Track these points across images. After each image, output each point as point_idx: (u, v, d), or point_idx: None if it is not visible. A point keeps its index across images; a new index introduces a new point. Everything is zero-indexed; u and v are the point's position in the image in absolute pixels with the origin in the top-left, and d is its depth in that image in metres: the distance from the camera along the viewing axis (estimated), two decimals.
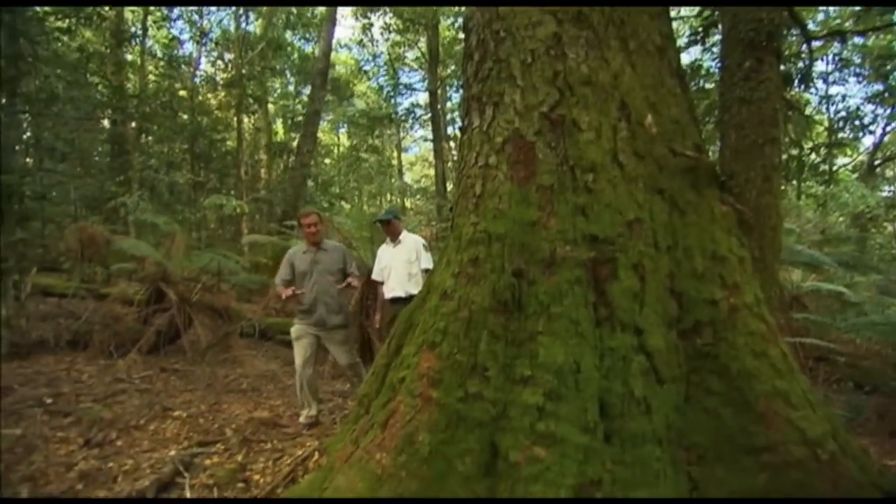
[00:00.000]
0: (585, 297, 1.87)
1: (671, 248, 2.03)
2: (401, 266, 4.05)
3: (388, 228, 4.15)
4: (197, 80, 15.44)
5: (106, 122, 12.92)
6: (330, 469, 1.97)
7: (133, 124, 12.64)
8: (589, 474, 1.66)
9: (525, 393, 1.75)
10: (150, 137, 13.78)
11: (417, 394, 1.82)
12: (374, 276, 4.26)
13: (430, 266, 3.92)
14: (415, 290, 3.90)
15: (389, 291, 4.07)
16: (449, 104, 23.30)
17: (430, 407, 1.78)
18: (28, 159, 10.07)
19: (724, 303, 1.98)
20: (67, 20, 8.43)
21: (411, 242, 4.12)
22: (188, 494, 2.53)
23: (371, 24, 18.44)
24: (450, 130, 22.26)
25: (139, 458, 2.99)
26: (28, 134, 9.07)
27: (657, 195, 2.08)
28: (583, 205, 2.02)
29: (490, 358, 1.83)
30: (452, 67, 20.46)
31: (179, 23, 15.11)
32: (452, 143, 20.04)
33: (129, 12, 13.80)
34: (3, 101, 6.19)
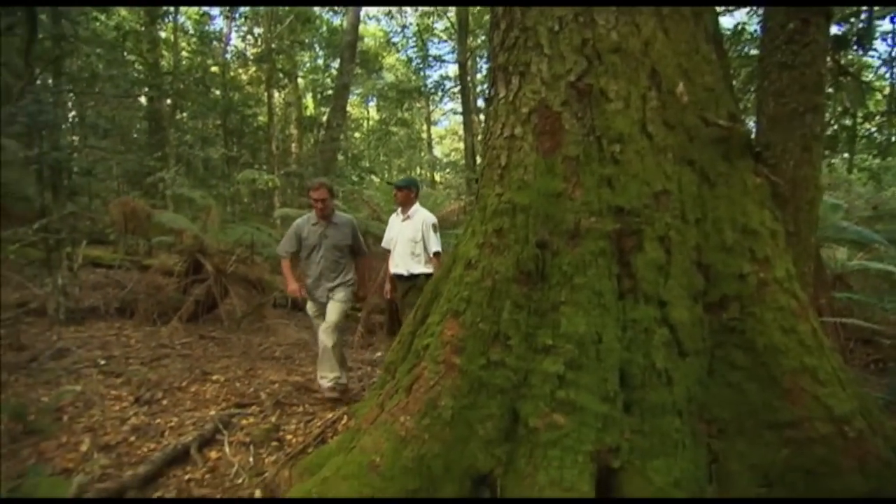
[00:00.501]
0: (609, 268, 1.87)
1: (699, 221, 2.00)
2: (405, 242, 3.94)
3: (401, 196, 4.00)
4: (228, 55, 15.62)
5: (143, 100, 13.29)
6: (357, 430, 2.07)
7: (168, 101, 12.96)
8: (607, 442, 1.70)
9: (546, 361, 1.79)
10: (184, 114, 14.11)
11: (441, 360, 1.88)
12: (383, 245, 4.19)
13: (438, 249, 3.88)
14: (417, 270, 3.89)
15: (393, 266, 4.02)
16: (479, 76, 22.87)
17: (453, 373, 1.84)
18: (73, 137, 10.53)
19: (752, 277, 1.95)
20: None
21: (419, 220, 3.95)
22: (227, 450, 2.70)
23: None
24: (479, 103, 21.93)
25: (182, 416, 3.20)
26: (72, 113, 9.44)
27: (686, 166, 2.03)
28: (609, 176, 2.00)
29: (512, 327, 1.87)
30: (482, 38, 19.99)
31: None
32: (482, 116, 19.77)
33: None
34: (50, 81, 6.44)
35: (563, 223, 1.96)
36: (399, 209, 4.06)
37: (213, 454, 2.69)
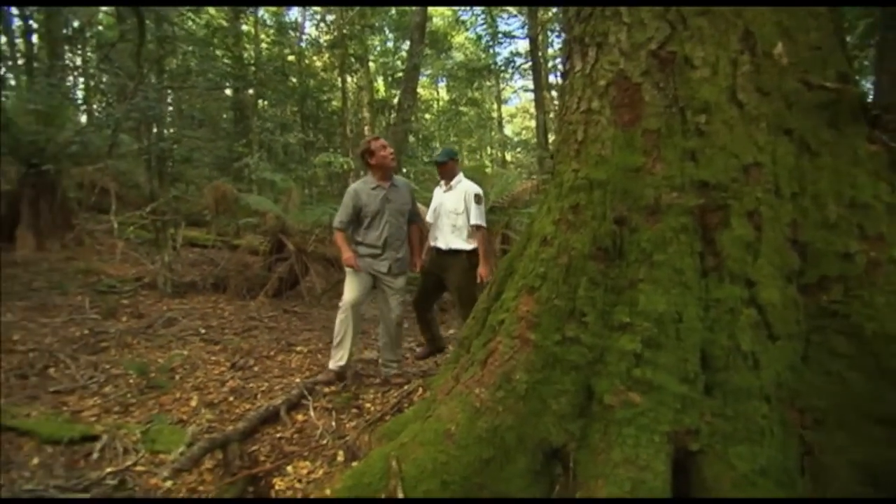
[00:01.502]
0: (691, 245, 1.79)
1: (796, 195, 1.85)
2: (446, 214, 3.63)
3: (443, 170, 3.75)
4: (302, 43, 16.25)
5: (228, 91, 14.22)
6: (432, 400, 2.16)
7: (250, 91, 13.77)
8: (685, 423, 1.65)
9: (623, 339, 1.76)
10: (265, 102, 14.94)
11: (516, 335, 1.91)
12: (427, 218, 3.90)
13: (481, 222, 3.58)
14: (456, 245, 3.56)
15: (433, 239, 3.75)
16: (550, 51, 22.10)
17: (528, 348, 1.87)
18: (171, 129, 11.54)
19: (861, 256, 1.78)
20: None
21: (462, 190, 3.65)
22: (312, 414, 2.93)
23: None
24: (551, 78, 21.24)
25: (272, 382, 3.51)
26: (170, 107, 10.36)
27: (783, 136, 1.88)
28: (692, 149, 1.89)
29: (588, 304, 1.85)
30: (554, 10, 19.23)
31: None
32: (554, 92, 19.15)
33: None
34: (153, 79, 7.10)
35: (642, 199, 1.89)
36: (441, 182, 3.81)
37: (300, 417, 2.94)
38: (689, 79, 1.93)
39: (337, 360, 3.35)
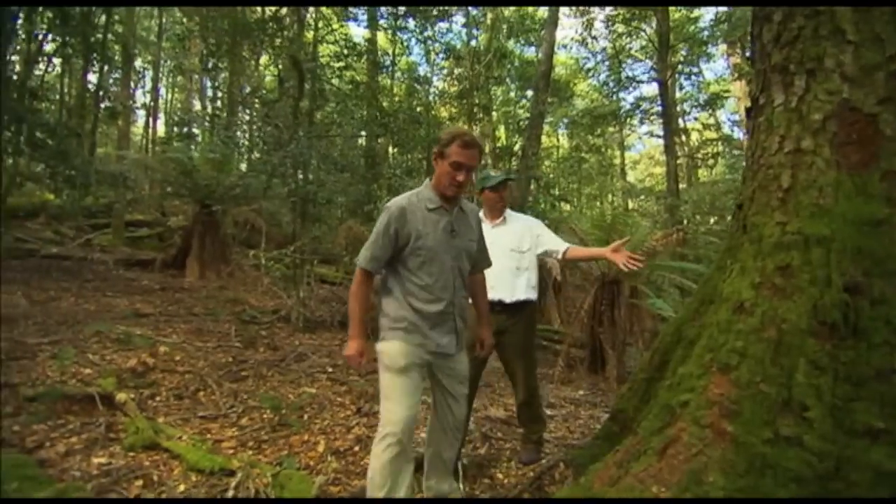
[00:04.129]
0: None
1: None
2: (505, 256, 2.70)
3: (499, 196, 2.83)
4: (431, 96, 17.29)
5: (362, 140, 15.52)
6: (588, 489, 1.82)
7: (380, 139, 14.86)
8: None
9: (875, 451, 1.30)
10: (395, 150, 16.00)
11: (707, 424, 1.53)
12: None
13: (566, 245, 2.82)
14: (523, 294, 2.74)
15: (490, 290, 2.53)
16: (679, 94, 20.96)
17: (724, 443, 1.47)
18: (314, 174, 12.82)
19: None
20: (344, 59, 10.44)
21: (521, 223, 2.87)
22: None
23: (594, 19, 17.81)
24: (681, 122, 20.03)
25: None
26: (315, 155, 11.61)
27: None
28: None
29: (812, 395, 1.42)
30: (684, 52, 18.31)
31: (417, 48, 17.18)
32: (685, 137, 17.92)
33: (383, 41, 16.29)
34: (304, 128, 7.94)
35: (889, 260, 1.45)
36: (484, 215, 2.81)
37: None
38: None
39: None
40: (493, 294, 2.62)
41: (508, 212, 2.94)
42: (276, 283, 8.03)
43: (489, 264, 2.40)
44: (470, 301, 2.35)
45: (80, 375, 3.67)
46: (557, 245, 2.83)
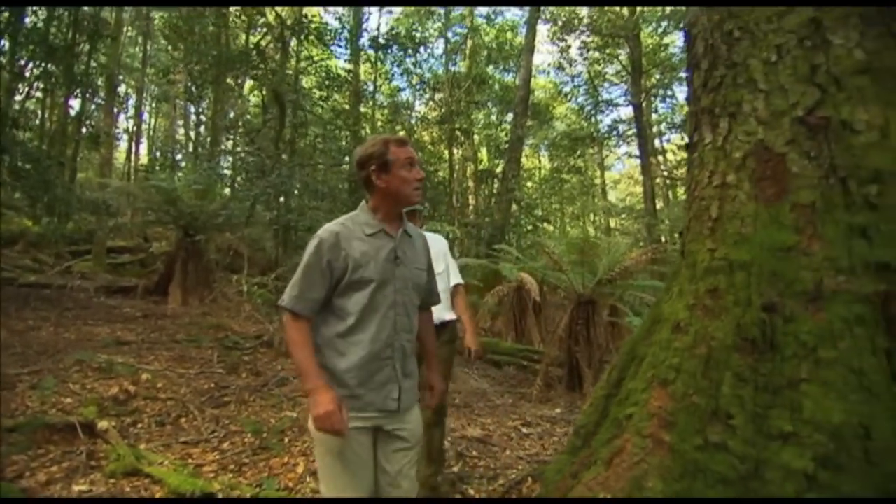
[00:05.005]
0: (873, 341, 1.48)
1: None
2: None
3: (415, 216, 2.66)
4: (413, 120, 17.67)
5: (345, 166, 15.77)
6: (546, 499, 1.96)
7: None
8: None
9: (786, 453, 1.46)
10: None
11: (647, 434, 1.68)
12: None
13: (461, 281, 2.90)
14: (448, 315, 2.69)
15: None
16: (655, 116, 21.68)
17: (662, 451, 1.63)
18: (296, 201, 12.98)
19: None
20: (326, 90, 10.72)
21: (435, 244, 2.67)
22: None
23: (569, 46, 18.48)
24: (657, 143, 20.66)
25: None
26: (298, 183, 11.78)
27: None
28: (862, 225, 1.63)
29: (736, 404, 1.59)
30: (657, 76, 19.04)
31: (400, 76, 17.61)
32: (661, 157, 18.51)
33: (364, 74, 16.69)
34: (286, 156, 8.13)
35: (797, 283, 1.64)
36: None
37: None
38: (850, 145, 1.70)
39: None
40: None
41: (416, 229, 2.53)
42: (259, 308, 8.08)
43: (437, 301, 2.07)
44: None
45: (61, 405, 3.70)
46: (452, 280, 2.81)
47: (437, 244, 2.77)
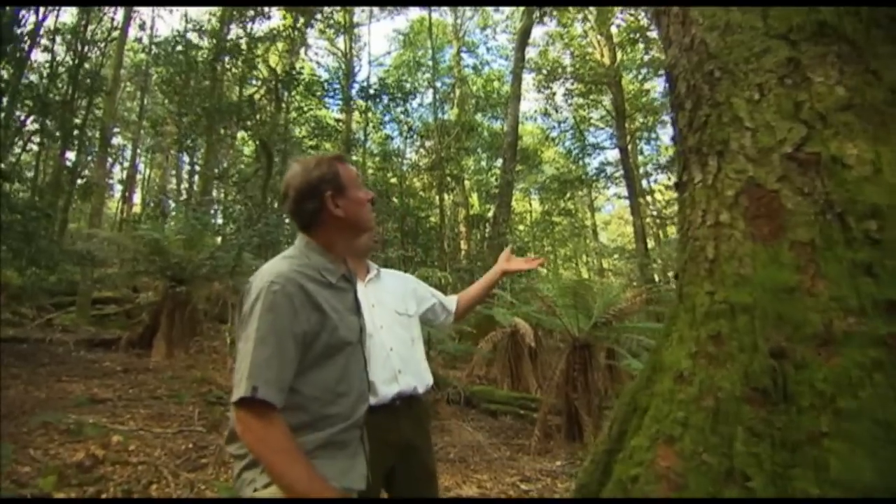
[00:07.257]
0: (894, 389, 1.36)
1: None
2: (395, 324, 1.99)
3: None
4: (404, 167, 17.92)
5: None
6: None
7: None
8: None
9: None
10: None
11: (657, 500, 1.52)
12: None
13: (452, 300, 2.31)
14: (431, 379, 2.07)
15: (391, 381, 1.86)
16: (641, 157, 22.19)
17: None
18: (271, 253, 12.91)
19: None
20: (316, 139, 10.89)
21: (395, 278, 2.19)
22: None
23: (554, 93, 19.11)
24: (644, 184, 21.04)
25: None
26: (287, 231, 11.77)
27: None
28: (866, 262, 1.54)
29: (752, 463, 1.44)
30: (641, 120, 19.64)
31: (391, 124, 18.02)
32: (649, 198, 18.78)
33: (356, 123, 17.06)
34: (274, 207, 8.11)
35: (805, 326, 1.53)
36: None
37: None
38: (843, 180, 1.64)
39: None
40: (402, 383, 1.88)
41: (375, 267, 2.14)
42: None
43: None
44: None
45: (17, 475, 3.41)
46: (445, 298, 2.26)
47: (403, 277, 2.27)
